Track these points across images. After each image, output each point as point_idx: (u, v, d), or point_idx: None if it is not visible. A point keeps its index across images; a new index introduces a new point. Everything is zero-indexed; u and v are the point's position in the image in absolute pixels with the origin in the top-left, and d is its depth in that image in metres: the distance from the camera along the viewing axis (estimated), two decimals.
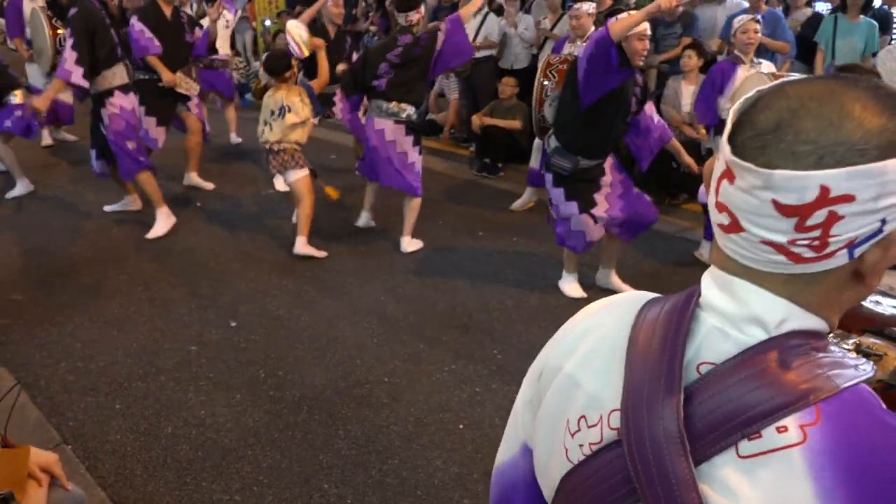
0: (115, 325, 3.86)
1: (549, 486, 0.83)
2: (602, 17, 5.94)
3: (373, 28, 9.62)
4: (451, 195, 6.18)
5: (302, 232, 4.78)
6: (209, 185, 6.24)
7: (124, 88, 4.98)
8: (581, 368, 0.80)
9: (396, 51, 4.55)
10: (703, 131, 4.71)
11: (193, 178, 6.27)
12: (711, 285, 0.74)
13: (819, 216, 0.62)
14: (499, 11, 7.67)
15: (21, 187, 5.93)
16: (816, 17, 6.59)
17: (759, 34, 4.64)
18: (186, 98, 5.80)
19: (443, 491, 2.69)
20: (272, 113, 4.63)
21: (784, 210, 0.63)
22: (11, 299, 4.13)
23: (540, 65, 5.20)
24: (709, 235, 4.87)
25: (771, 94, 0.67)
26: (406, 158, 4.76)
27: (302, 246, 4.77)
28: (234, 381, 3.37)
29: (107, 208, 5.59)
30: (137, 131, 5.14)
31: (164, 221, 5.18)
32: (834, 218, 0.62)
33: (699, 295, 0.74)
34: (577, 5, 5.35)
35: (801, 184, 0.62)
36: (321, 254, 4.77)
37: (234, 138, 7.74)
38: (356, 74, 4.73)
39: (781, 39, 5.88)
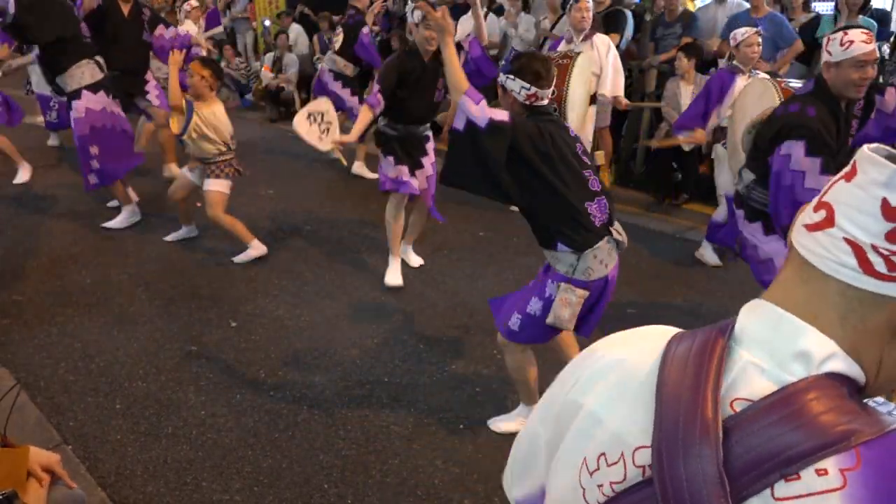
0: (115, 325, 3.86)
1: None
2: (600, 17, 5.96)
3: (375, 28, 9.61)
4: (451, 195, 6.15)
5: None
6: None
7: (93, 87, 4.86)
8: (603, 406, 0.77)
9: None
10: (700, 135, 4.69)
11: (172, 169, 6.25)
12: (752, 317, 0.72)
13: None
14: (499, 12, 7.67)
15: (23, 173, 6.03)
16: (816, 20, 6.60)
17: (761, 47, 4.66)
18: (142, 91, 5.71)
19: (443, 491, 2.69)
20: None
21: (889, 213, 0.63)
22: (12, 299, 4.13)
23: None
24: (710, 237, 4.87)
25: None
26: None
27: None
28: (234, 381, 3.37)
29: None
30: (110, 134, 5.00)
31: (128, 217, 5.27)
32: None
33: (732, 328, 0.72)
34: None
35: None
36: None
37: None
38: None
39: (788, 40, 5.88)
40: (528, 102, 2.60)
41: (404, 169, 4.18)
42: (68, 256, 4.76)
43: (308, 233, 5.31)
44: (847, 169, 0.68)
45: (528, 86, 2.56)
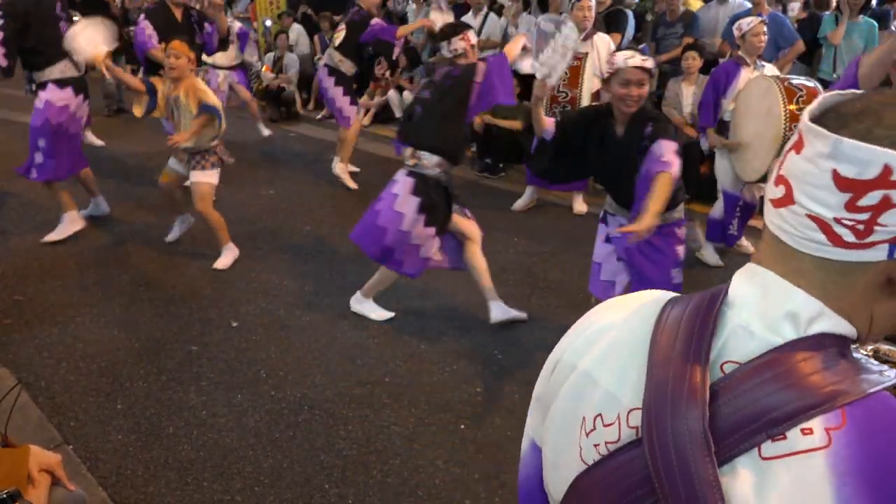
0: (116, 326, 3.86)
1: (558, 486, 0.81)
2: (601, 17, 5.96)
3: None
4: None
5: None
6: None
7: (60, 83, 4.83)
8: (598, 366, 0.78)
9: (436, 79, 3.78)
10: (714, 138, 4.69)
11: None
12: (744, 281, 0.73)
13: (873, 197, 0.62)
14: (500, 11, 7.67)
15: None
16: (813, 18, 6.59)
17: (767, 37, 4.65)
18: None
19: (444, 491, 2.69)
20: None
21: (841, 183, 0.63)
22: (13, 299, 4.13)
23: None
24: (711, 237, 4.86)
25: (866, 93, 0.68)
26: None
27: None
28: (235, 381, 3.37)
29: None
30: (63, 133, 4.92)
31: (67, 226, 5.03)
32: (887, 204, 0.62)
33: (725, 293, 0.73)
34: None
35: (866, 157, 0.61)
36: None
37: (264, 130, 7.95)
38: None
39: (789, 40, 5.87)
40: None
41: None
42: (69, 257, 4.76)
43: (308, 232, 5.31)
44: (795, 138, 0.68)
45: None
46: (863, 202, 0.62)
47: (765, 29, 4.58)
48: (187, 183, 4.63)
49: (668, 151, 2.82)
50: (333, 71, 6.21)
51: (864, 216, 0.63)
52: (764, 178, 4.17)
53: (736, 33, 4.72)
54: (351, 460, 2.85)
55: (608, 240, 3.29)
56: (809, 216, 0.66)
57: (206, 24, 5.67)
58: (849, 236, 0.64)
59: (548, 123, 3.12)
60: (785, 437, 0.62)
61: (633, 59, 2.88)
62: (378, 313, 3.99)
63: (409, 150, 3.76)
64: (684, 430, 0.66)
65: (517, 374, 3.42)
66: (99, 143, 7.39)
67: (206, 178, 4.51)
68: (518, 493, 1.01)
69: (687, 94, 5.72)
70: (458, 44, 3.73)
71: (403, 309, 4.11)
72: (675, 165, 2.81)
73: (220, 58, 7.07)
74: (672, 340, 0.72)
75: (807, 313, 0.67)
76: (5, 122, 7.96)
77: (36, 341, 3.69)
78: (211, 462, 2.81)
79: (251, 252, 4.90)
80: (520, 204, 5.86)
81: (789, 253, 0.69)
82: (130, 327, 3.84)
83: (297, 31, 9.76)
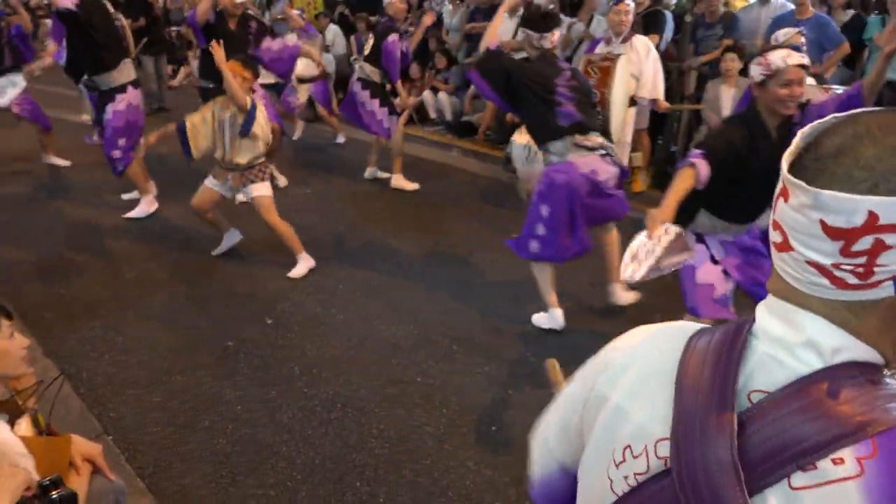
0: (155, 320, 3.94)
1: None
2: (639, 18, 5.90)
3: (412, 29, 9.64)
4: (486, 196, 6.18)
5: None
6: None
7: (135, 83, 5.26)
8: (628, 399, 0.79)
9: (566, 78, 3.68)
10: None
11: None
12: (766, 313, 0.73)
13: (865, 242, 0.62)
14: None
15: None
16: (858, 20, 6.43)
17: (805, 48, 4.57)
18: None
19: (474, 493, 2.69)
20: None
21: (831, 232, 0.63)
22: (58, 293, 4.25)
23: (580, 64, 5.17)
24: None
25: (844, 121, 0.66)
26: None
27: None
28: (269, 378, 3.41)
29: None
30: (136, 129, 5.33)
31: (145, 206, 5.55)
32: (881, 247, 0.62)
33: (752, 323, 0.73)
34: (626, 1, 5.30)
35: (850, 206, 0.61)
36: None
37: (341, 138, 7.99)
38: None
39: (834, 41, 5.75)
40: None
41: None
42: (111, 252, 4.87)
43: (343, 232, 5.36)
44: (780, 186, 0.68)
45: None
46: (856, 247, 0.62)
47: (802, 40, 4.51)
48: (244, 199, 4.63)
49: None
50: (367, 83, 6.19)
51: (862, 260, 0.63)
52: None
53: (773, 44, 4.64)
54: (382, 459, 2.87)
55: (715, 260, 3.08)
56: (809, 263, 0.66)
57: (268, 36, 5.59)
58: (851, 279, 0.64)
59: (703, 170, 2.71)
60: (815, 467, 0.62)
61: (791, 57, 2.70)
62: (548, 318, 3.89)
63: (595, 136, 3.69)
64: (713, 459, 0.66)
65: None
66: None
67: (265, 191, 4.50)
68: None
69: (726, 97, 5.63)
70: (554, 37, 3.70)
71: (436, 310, 4.12)
72: None
73: (301, 68, 7.04)
74: (699, 370, 0.72)
75: (830, 343, 0.67)
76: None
77: (78, 334, 3.78)
78: (245, 456, 2.85)
79: (286, 251, 4.96)
80: None
81: (799, 293, 0.69)
82: (169, 322, 3.92)
83: (333, 31, 9.84)
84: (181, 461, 2.83)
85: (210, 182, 4.56)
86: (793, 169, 0.67)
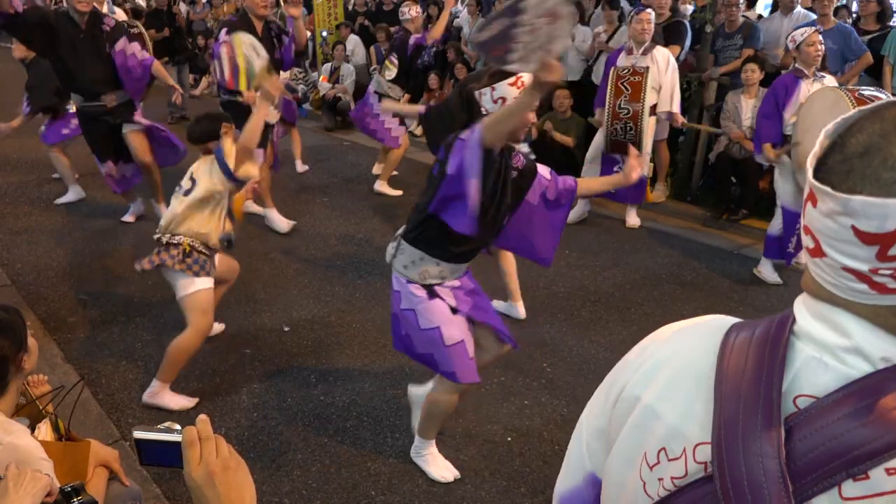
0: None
1: None
2: (660, 29, 5.89)
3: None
4: None
5: (163, 377, 3.20)
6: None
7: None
8: (661, 399, 0.76)
9: None
10: (771, 152, 4.56)
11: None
12: (806, 314, 0.70)
13: None
14: None
15: (72, 194, 6.09)
16: (886, 32, 6.36)
17: (823, 46, 4.52)
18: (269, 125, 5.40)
19: (490, 503, 2.68)
20: (180, 187, 3.26)
21: (864, 238, 0.60)
22: (78, 299, 4.30)
23: (610, 79, 5.19)
24: (769, 253, 4.73)
25: (868, 116, 0.64)
26: None
27: (155, 394, 3.20)
28: (285, 386, 3.42)
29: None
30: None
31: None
32: None
33: (793, 321, 0.70)
34: (647, 10, 5.31)
35: (881, 211, 0.58)
36: (165, 401, 3.21)
37: (300, 166, 7.17)
38: None
39: (856, 52, 5.69)
40: None
41: None
42: (131, 259, 4.91)
43: (360, 240, 5.37)
44: (807, 190, 0.66)
45: None
46: (893, 251, 0.59)
47: (820, 38, 4.45)
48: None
49: None
50: (382, 96, 6.26)
51: None
52: None
53: (790, 45, 4.61)
54: (397, 468, 2.86)
55: (454, 310, 2.71)
56: (845, 269, 0.63)
57: (284, 37, 5.45)
58: (892, 283, 0.61)
59: None
60: (868, 477, 0.59)
61: None
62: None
63: None
64: (759, 468, 0.63)
65: (566, 387, 3.38)
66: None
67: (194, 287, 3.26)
68: None
69: (746, 108, 5.60)
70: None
71: None
72: None
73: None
74: (740, 372, 0.68)
75: (877, 350, 0.64)
76: None
77: (98, 339, 3.82)
78: (260, 464, 2.86)
79: (304, 259, 4.99)
80: (572, 216, 5.81)
81: (839, 299, 0.66)
82: None
83: (353, 41, 9.93)
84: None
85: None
86: (819, 172, 0.64)
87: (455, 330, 2.61)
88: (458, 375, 2.59)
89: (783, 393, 0.65)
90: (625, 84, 5.04)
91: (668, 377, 0.77)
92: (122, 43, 4.82)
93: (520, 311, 4.17)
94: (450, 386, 2.66)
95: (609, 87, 5.20)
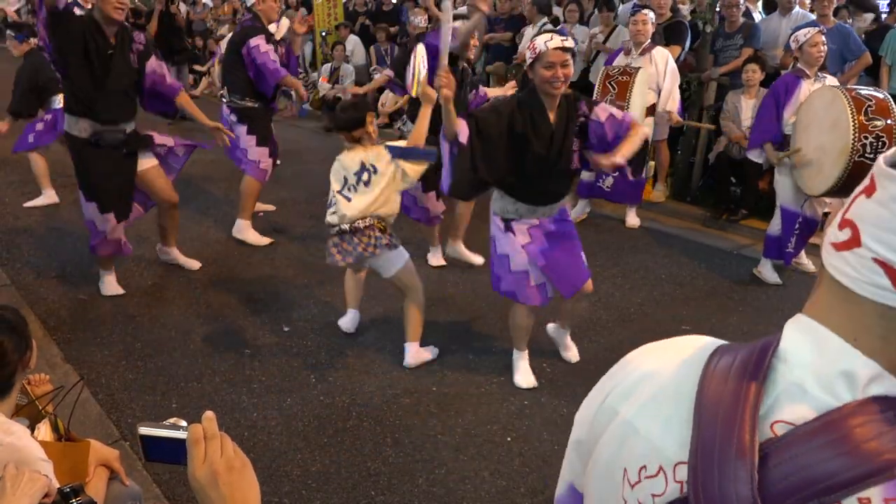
0: (173, 327, 3.97)
1: None
2: (660, 29, 5.89)
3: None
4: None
5: (413, 336, 3.61)
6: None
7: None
8: (640, 415, 0.76)
9: None
10: (773, 154, 4.54)
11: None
12: (797, 335, 0.70)
13: None
14: (556, 23, 7.65)
15: (44, 198, 6.00)
16: (881, 28, 6.37)
17: (826, 47, 4.52)
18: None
19: None
20: (345, 180, 3.44)
21: None
22: (78, 299, 4.30)
23: (599, 77, 5.17)
24: (768, 253, 4.73)
25: None
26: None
27: (415, 354, 3.60)
28: (285, 385, 3.42)
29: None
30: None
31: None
32: None
33: (776, 346, 0.70)
34: (645, 11, 5.31)
35: None
36: (426, 356, 3.65)
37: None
38: None
39: (855, 52, 5.69)
40: None
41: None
42: (131, 259, 4.92)
43: None
44: (866, 182, 0.66)
45: None
46: None
47: (823, 39, 4.45)
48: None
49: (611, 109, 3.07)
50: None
51: None
52: (829, 193, 4.03)
53: (793, 45, 4.60)
54: (397, 468, 2.86)
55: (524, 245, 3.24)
56: (876, 260, 0.63)
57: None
58: None
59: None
60: None
61: (552, 41, 2.94)
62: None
63: None
64: (732, 493, 0.63)
65: (566, 388, 3.39)
66: None
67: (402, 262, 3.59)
68: None
69: (746, 108, 5.61)
70: None
71: (452, 320, 4.11)
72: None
73: None
74: (720, 396, 0.69)
75: (864, 374, 0.64)
76: None
77: (97, 340, 3.82)
78: (260, 464, 2.86)
79: (304, 259, 4.99)
80: (571, 216, 5.80)
81: (850, 298, 0.66)
82: (186, 329, 3.95)
83: (353, 41, 9.93)
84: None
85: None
86: (889, 160, 0.65)
87: (520, 259, 3.20)
88: (518, 296, 3.27)
89: (761, 418, 0.66)
90: (612, 83, 5.04)
91: (648, 394, 0.77)
92: (153, 63, 4.19)
93: None
94: (515, 305, 3.34)
95: (597, 86, 5.20)
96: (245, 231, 5.31)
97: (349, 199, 3.39)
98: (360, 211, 3.35)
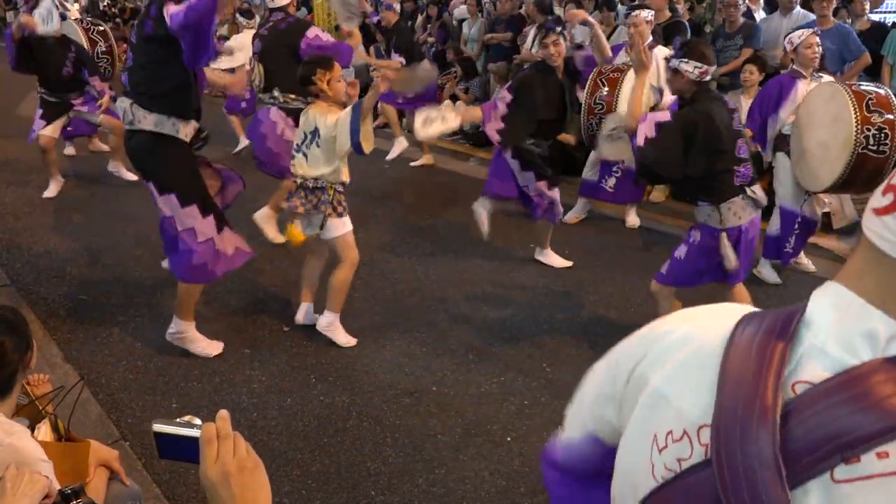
0: None
1: (627, 499, 0.81)
2: (660, 29, 5.89)
3: (430, 39, 9.70)
4: (504, 207, 6.16)
5: (335, 306, 3.72)
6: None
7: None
8: (670, 383, 0.78)
9: None
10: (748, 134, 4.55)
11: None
12: (821, 300, 0.71)
13: None
14: (557, 22, 7.64)
15: (54, 184, 6.21)
16: (878, 28, 6.36)
17: (821, 48, 4.52)
18: None
19: (489, 503, 2.68)
20: (304, 136, 3.54)
21: None
22: (78, 299, 4.30)
23: (591, 76, 5.17)
24: (767, 253, 4.73)
25: None
26: None
27: (331, 324, 3.73)
28: (285, 385, 3.42)
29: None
30: None
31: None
32: None
33: (802, 312, 0.71)
34: (635, 13, 5.31)
35: None
36: (349, 341, 3.76)
37: (243, 141, 7.35)
38: None
39: (855, 52, 5.69)
40: (698, 79, 3.13)
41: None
42: (131, 259, 4.92)
43: (359, 241, 5.34)
44: None
45: (699, 65, 3.09)
46: None
47: (817, 40, 4.44)
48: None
49: None
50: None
51: None
52: (833, 187, 4.02)
53: (788, 47, 4.60)
54: (397, 468, 2.86)
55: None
56: None
57: None
58: None
59: None
60: (859, 461, 0.61)
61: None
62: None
63: None
64: (754, 452, 0.64)
65: (565, 387, 3.37)
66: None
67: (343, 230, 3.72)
68: (546, 473, 1.06)
69: (746, 108, 5.60)
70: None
71: (451, 319, 4.12)
72: None
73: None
74: (744, 359, 0.70)
75: (885, 333, 0.65)
76: None
77: (98, 340, 3.82)
78: None
79: (303, 259, 4.98)
80: (571, 216, 5.81)
81: (886, 262, 0.66)
82: None
83: None
84: (197, 467, 2.83)
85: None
86: None
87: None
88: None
89: (783, 380, 0.67)
90: (603, 80, 5.04)
91: (678, 362, 0.78)
92: None
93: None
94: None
95: (588, 84, 5.19)
96: (267, 222, 5.34)
97: (305, 157, 3.55)
98: (307, 170, 3.53)
